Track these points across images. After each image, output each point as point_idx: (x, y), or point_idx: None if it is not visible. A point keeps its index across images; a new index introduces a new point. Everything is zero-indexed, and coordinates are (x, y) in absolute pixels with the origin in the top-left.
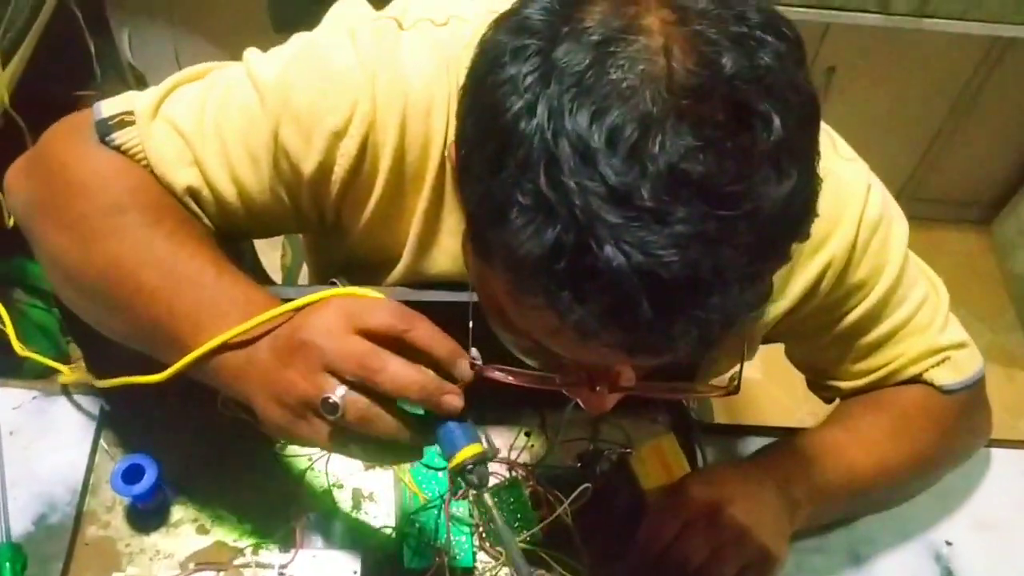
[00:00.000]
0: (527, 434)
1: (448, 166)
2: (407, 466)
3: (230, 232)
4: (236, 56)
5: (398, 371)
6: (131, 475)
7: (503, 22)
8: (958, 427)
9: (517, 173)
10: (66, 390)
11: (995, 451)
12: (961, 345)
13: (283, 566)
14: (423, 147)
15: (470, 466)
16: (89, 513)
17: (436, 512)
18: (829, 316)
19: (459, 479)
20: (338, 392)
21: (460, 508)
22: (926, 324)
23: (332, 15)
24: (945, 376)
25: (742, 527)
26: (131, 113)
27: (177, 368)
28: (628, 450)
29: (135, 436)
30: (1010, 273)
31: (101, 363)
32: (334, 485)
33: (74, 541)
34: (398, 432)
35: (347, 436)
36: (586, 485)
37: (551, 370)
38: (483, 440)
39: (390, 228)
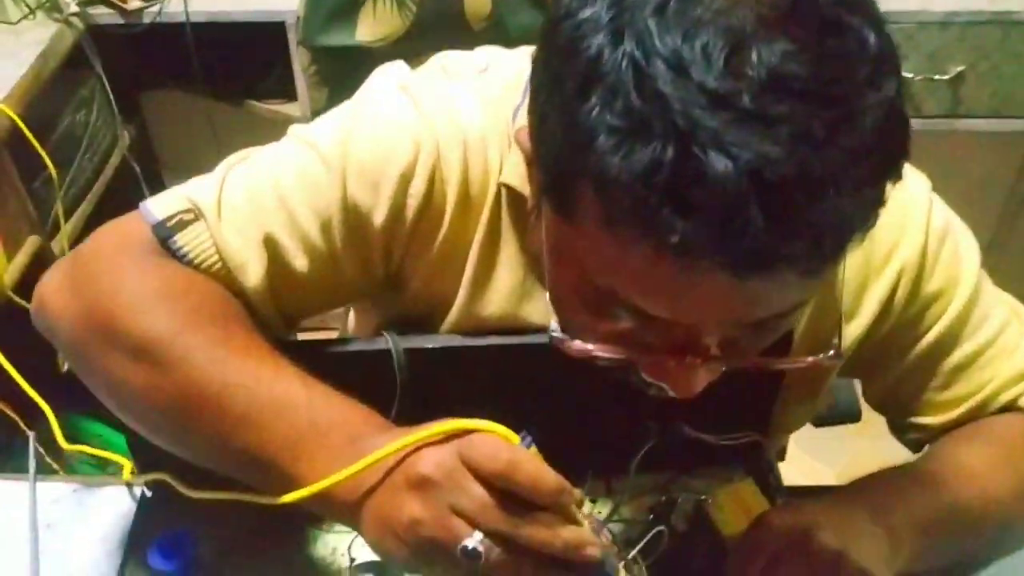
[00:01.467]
0: (592, 501)
1: (504, 194)
2: None
3: (296, 319)
4: None
5: (535, 534)
6: (168, 550)
7: None
8: None
9: (607, 97)
10: (107, 481)
11: None
12: None
13: None
14: (483, 180)
15: None
16: None
17: None
18: (907, 335)
19: None
20: (476, 537)
21: None
22: (1013, 346)
23: (377, 76)
24: None
25: (837, 551)
26: (189, 211)
27: (283, 501)
28: (704, 497)
29: (173, 515)
30: None
31: (146, 456)
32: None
33: None
34: (542, 574)
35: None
36: (659, 528)
37: (635, 354)
38: (611, 552)
39: (449, 268)
